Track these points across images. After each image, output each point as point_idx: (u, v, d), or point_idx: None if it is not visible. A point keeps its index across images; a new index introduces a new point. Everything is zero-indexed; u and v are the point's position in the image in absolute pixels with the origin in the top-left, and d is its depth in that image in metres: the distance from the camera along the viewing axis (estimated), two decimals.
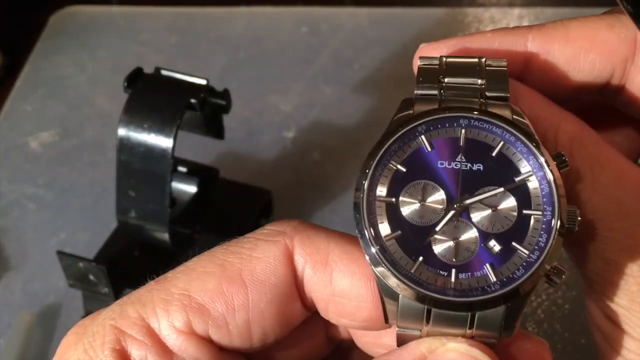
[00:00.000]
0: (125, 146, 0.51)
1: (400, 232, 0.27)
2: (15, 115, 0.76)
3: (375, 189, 0.28)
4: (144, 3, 0.89)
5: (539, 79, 0.32)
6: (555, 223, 0.26)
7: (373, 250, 0.27)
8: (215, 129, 0.58)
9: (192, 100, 0.51)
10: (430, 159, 0.28)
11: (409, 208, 0.28)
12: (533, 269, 0.26)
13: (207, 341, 0.29)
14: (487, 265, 0.26)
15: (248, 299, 0.28)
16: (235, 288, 0.28)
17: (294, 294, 0.29)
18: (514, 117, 0.28)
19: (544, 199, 0.27)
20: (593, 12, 0.88)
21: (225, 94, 0.56)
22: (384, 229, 0.27)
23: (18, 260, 0.63)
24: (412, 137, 0.28)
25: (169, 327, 0.28)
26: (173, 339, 0.28)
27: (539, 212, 0.27)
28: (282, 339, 0.30)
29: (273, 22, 0.85)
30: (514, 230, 0.27)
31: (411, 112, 0.29)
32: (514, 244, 0.27)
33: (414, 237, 0.27)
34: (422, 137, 0.28)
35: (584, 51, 0.32)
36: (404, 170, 0.28)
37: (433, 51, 0.33)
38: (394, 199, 0.28)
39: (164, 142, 0.50)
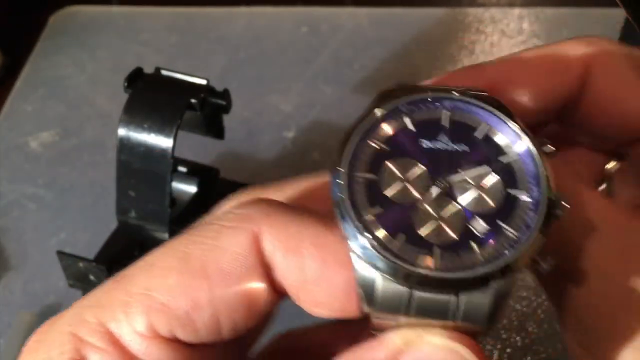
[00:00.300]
0: (125, 146, 0.51)
1: (381, 210, 0.26)
2: (15, 115, 0.76)
3: (356, 167, 0.27)
4: (144, 3, 0.89)
5: (600, 97, 0.31)
6: (543, 203, 0.26)
7: (353, 229, 0.25)
8: (215, 129, 0.58)
9: (192, 100, 0.51)
10: (413, 139, 0.28)
11: (391, 186, 0.27)
12: (521, 248, 0.25)
13: (174, 341, 0.27)
14: (473, 244, 0.25)
15: (214, 293, 0.26)
16: (199, 283, 0.26)
17: (263, 282, 0.27)
18: (497, 103, 0.28)
19: (530, 179, 0.27)
20: (593, 12, 0.88)
21: (225, 94, 0.56)
22: (365, 207, 0.26)
23: (18, 260, 0.63)
24: (395, 116, 0.28)
25: (131, 332, 0.26)
26: (137, 344, 0.26)
27: (525, 192, 0.26)
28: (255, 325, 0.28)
29: (273, 22, 0.85)
30: (500, 209, 0.26)
31: (394, 90, 0.29)
32: (500, 223, 0.26)
33: (396, 215, 0.26)
34: (406, 116, 0.28)
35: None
36: (386, 148, 0.27)
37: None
38: (375, 177, 0.27)
39: (164, 142, 0.50)
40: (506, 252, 0.25)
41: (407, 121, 0.28)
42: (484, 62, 0.33)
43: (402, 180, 0.27)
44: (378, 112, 0.28)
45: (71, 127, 0.74)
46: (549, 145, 0.27)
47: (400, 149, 0.27)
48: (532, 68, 0.31)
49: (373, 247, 0.25)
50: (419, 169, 0.27)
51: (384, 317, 0.25)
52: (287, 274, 0.27)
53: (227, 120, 0.58)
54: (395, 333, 0.25)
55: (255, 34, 0.84)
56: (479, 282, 0.25)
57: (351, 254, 0.25)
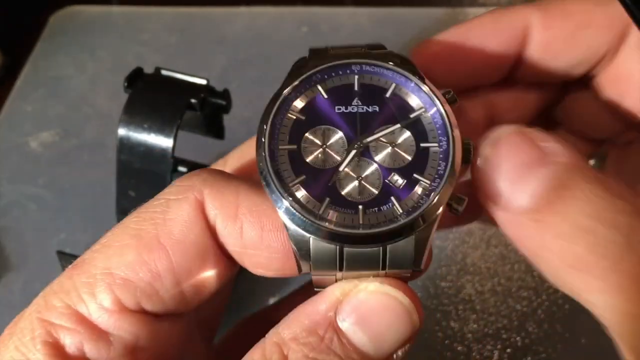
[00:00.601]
0: (125, 146, 0.51)
1: (304, 176, 0.28)
2: (16, 115, 0.76)
3: (277, 138, 0.29)
4: (144, 3, 0.89)
5: (538, 55, 0.33)
6: (452, 151, 0.28)
7: (280, 197, 0.27)
8: (215, 129, 0.58)
9: (192, 100, 0.51)
10: (327, 105, 0.29)
11: (311, 153, 0.29)
12: (436, 196, 0.27)
13: (141, 313, 0.28)
14: (392, 198, 0.28)
15: (171, 261, 0.28)
16: (156, 254, 0.28)
17: (214, 246, 0.29)
18: (401, 59, 0.30)
19: (439, 131, 0.29)
20: None
21: (225, 94, 0.56)
22: (289, 175, 0.28)
23: (18, 260, 0.63)
24: (308, 86, 0.30)
25: (98, 309, 0.28)
26: (105, 320, 0.28)
27: (436, 144, 0.29)
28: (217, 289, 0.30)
29: (273, 22, 0.85)
30: (415, 163, 0.28)
31: (305, 63, 0.30)
32: (415, 175, 0.28)
33: (319, 180, 0.28)
34: (318, 85, 0.30)
35: (583, 26, 0.32)
36: (303, 118, 0.29)
37: (436, 45, 0.35)
38: (295, 146, 0.29)
39: (164, 142, 0.50)
40: (423, 201, 0.27)
41: (320, 89, 0.30)
42: (519, 7, 0.34)
43: (321, 147, 0.29)
44: (294, 82, 0.29)
45: (71, 127, 0.74)
46: (452, 95, 0.29)
47: (317, 117, 0.29)
48: (573, 16, 0.33)
49: (299, 212, 0.27)
50: (336, 134, 0.29)
51: (321, 273, 0.28)
52: (228, 239, 0.29)
53: (227, 120, 0.58)
54: (334, 286, 0.27)
55: (255, 34, 0.83)
56: (402, 233, 0.27)
57: (283, 219, 0.27)
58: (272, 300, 0.59)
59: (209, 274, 0.29)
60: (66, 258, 0.53)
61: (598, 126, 0.36)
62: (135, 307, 0.28)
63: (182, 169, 0.59)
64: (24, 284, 0.61)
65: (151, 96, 0.52)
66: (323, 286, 0.28)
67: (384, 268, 0.27)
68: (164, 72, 0.54)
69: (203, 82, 0.53)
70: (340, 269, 0.27)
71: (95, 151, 0.72)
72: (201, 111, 0.52)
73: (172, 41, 0.83)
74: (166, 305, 0.28)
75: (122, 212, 0.53)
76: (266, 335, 0.28)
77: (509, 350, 0.56)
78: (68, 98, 0.78)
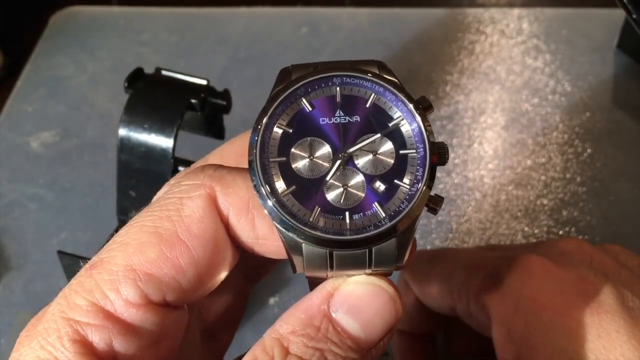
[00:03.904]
0: (125, 146, 0.51)
1: (294, 186, 0.30)
2: (16, 115, 0.76)
3: (267, 150, 0.30)
4: (144, 3, 0.89)
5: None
6: (429, 157, 0.30)
7: (272, 205, 0.29)
8: (215, 129, 0.58)
9: (193, 101, 0.51)
10: (312, 118, 0.31)
11: (299, 164, 0.31)
12: (415, 199, 0.30)
13: (163, 305, 0.30)
14: (376, 203, 0.30)
15: (192, 255, 0.30)
16: (178, 250, 0.29)
17: (227, 238, 0.31)
18: (380, 70, 0.32)
19: (416, 138, 0.31)
20: (593, 12, 0.88)
21: (225, 94, 0.56)
22: (280, 186, 0.30)
23: (19, 260, 0.63)
24: (293, 100, 0.31)
25: (124, 304, 0.29)
26: (132, 314, 0.29)
27: (414, 150, 0.31)
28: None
29: (273, 22, 0.85)
30: (395, 170, 0.31)
31: (290, 78, 0.32)
32: (396, 181, 0.30)
33: (308, 190, 0.30)
34: (303, 99, 0.31)
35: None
36: (290, 130, 0.31)
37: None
38: (284, 158, 0.30)
39: (165, 142, 0.50)
40: (404, 205, 0.30)
41: (306, 103, 0.31)
42: None
43: (309, 158, 0.31)
44: (279, 97, 0.31)
45: (71, 127, 0.75)
46: (427, 101, 0.31)
47: (303, 129, 0.31)
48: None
49: (291, 222, 0.29)
50: (322, 144, 0.31)
51: (314, 273, 0.30)
52: (241, 232, 0.31)
53: (227, 120, 0.58)
54: (325, 283, 0.30)
55: (255, 34, 0.84)
56: (385, 236, 0.29)
57: (277, 227, 0.30)
58: (272, 300, 0.59)
59: (224, 264, 0.31)
60: (67, 258, 0.54)
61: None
62: (159, 300, 0.29)
63: (182, 169, 0.59)
64: (24, 283, 0.62)
65: (151, 96, 0.52)
66: (317, 284, 0.31)
67: (370, 267, 0.30)
68: (164, 73, 0.54)
69: (203, 82, 0.53)
70: (331, 269, 0.30)
71: (95, 151, 0.72)
72: (201, 111, 0.52)
73: (172, 41, 0.83)
74: (188, 297, 0.30)
75: (123, 212, 0.53)
76: (264, 334, 0.29)
77: None
78: (68, 98, 0.78)
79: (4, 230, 0.65)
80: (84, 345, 0.28)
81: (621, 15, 0.75)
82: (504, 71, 0.77)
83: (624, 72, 0.77)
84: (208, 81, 0.53)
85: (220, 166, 0.32)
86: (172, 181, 0.32)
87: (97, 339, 0.28)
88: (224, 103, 0.55)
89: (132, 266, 0.29)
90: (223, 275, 0.32)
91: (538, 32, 0.82)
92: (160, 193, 0.32)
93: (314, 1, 0.89)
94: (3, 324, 0.59)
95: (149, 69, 0.54)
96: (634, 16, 0.56)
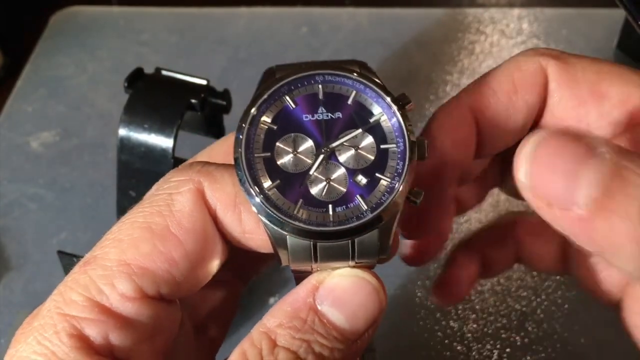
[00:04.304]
0: (125, 146, 0.51)
1: (279, 181, 0.31)
2: (16, 115, 0.76)
3: (252, 147, 0.31)
4: (144, 3, 0.89)
5: (488, 133, 0.35)
6: (408, 151, 0.31)
7: (257, 200, 0.30)
8: (215, 129, 0.58)
9: (193, 101, 0.51)
10: (296, 114, 0.32)
11: (284, 159, 0.31)
12: (395, 192, 0.31)
13: (157, 299, 0.30)
14: (358, 196, 0.31)
15: (184, 248, 0.30)
16: (170, 243, 0.30)
17: (217, 232, 0.32)
18: (361, 69, 0.33)
19: (396, 133, 0.32)
20: (593, 12, 0.88)
21: (225, 94, 0.56)
22: (265, 181, 0.31)
23: (19, 260, 0.63)
24: (277, 97, 0.32)
25: (120, 298, 0.29)
26: (128, 308, 0.29)
27: (394, 145, 0.32)
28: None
29: (273, 22, 0.85)
30: (376, 163, 0.32)
31: (274, 77, 0.33)
32: (377, 174, 0.31)
33: (292, 184, 0.31)
34: (286, 96, 0.32)
35: (513, 94, 0.34)
36: (274, 127, 0.32)
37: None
38: (269, 154, 0.31)
39: (165, 142, 0.50)
40: (385, 198, 0.31)
41: (289, 100, 0.32)
42: (455, 97, 0.36)
43: (293, 153, 0.32)
44: (264, 95, 0.32)
45: (71, 127, 0.75)
46: (406, 97, 0.32)
47: (287, 125, 0.32)
48: (500, 89, 0.35)
49: (276, 215, 0.30)
50: (305, 140, 0.32)
51: (299, 265, 0.31)
52: (230, 226, 0.32)
53: (228, 120, 0.58)
54: (311, 276, 0.31)
55: (255, 34, 0.84)
56: (367, 227, 0.30)
57: (263, 221, 0.30)
58: (272, 300, 0.59)
59: (215, 257, 0.32)
60: (67, 258, 0.54)
61: None
62: (154, 293, 0.30)
63: None
64: (24, 283, 0.62)
65: (151, 96, 0.52)
66: (303, 278, 0.31)
67: (353, 258, 0.31)
68: (164, 73, 0.54)
69: (203, 82, 0.53)
70: (315, 261, 0.31)
71: (95, 151, 0.72)
72: (201, 111, 0.52)
73: (172, 41, 0.83)
74: (181, 289, 0.31)
75: (123, 212, 0.53)
76: (252, 329, 0.30)
77: (508, 349, 0.56)
78: (68, 98, 0.78)
79: (4, 230, 0.65)
80: (81, 339, 0.28)
81: (621, 15, 0.75)
82: None
83: None
84: (208, 81, 0.54)
85: (208, 162, 0.33)
86: (160, 181, 0.33)
87: (94, 333, 0.28)
88: (224, 103, 0.55)
89: (125, 261, 0.29)
90: (214, 268, 0.32)
91: (538, 32, 0.82)
92: (150, 192, 0.33)
93: (314, 1, 0.89)
94: (3, 324, 0.59)
95: (149, 69, 0.54)
96: (634, 16, 0.55)
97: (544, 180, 0.27)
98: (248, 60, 0.80)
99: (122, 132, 0.51)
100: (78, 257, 0.53)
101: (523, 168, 0.27)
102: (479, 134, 0.35)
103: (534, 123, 0.35)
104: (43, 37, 0.85)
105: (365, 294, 0.30)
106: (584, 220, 0.25)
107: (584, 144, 0.26)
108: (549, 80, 0.34)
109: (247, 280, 0.40)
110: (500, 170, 0.42)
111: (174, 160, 0.50)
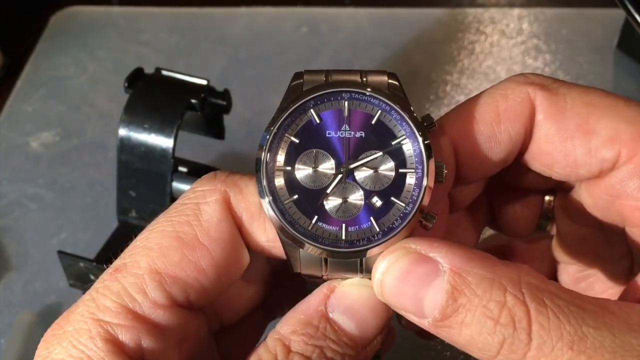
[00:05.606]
0: (125, 146, 0.51)
1: (297, 196, 0.32)
2: (16, 115, 0.76)
3: (274, 159, 0.32)
4: (144, 3, 0.89)
5: (467, 163, 0.35)
6: (426, 179, 0.31)
7: (275, 215, 0.31)
8: (215, 129, 0.58)
9: (193, 101, 0.51)
10: (319, 130, 0.32)
11: (303, 174, 0.32)
12: (409, 218, 0.31)
13: (186, 307, 0.32)
14: (372, 218, 0.31)
15: (212, 257, 0.31)
16: (199, 253, 0.31)
17: (242, 240, 0.33)
18: (390, 81, 0.33)
19: (416, 159, 0.32)
20: (593, 12, 0.88)
21: (225, 94, 0.56)
22: (283, 194, 0.31)
23: (19, 260, 0.63)
24: (302, 112, 0.32)
25: (152, 305, 0.30)
26: (160, 315, 0.30)
27: (412, 170, 0.32)
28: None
29: (273, 22, 0.85)
30: (392, 187, 0.32)
31: (301, 81, 0.33)
32: (392, 198, 0.32)
33: (309, 200, 0.32)
34: (311, 110, 0.32)
35: (496, 124, 0.34)
36: (297, 141, 0.32)
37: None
38: (289, 167, 0.32)
39: (165, 142, 0.50)
40: (397, 223, 0.31)
41: (314, 114, 0.32)
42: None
43: (313, 169, 0.32)
44: (289, 108, 0.32)
45: (71, 127, 0.75)
46: (431, 120, 0.32)
47: (309, 140, 0.32)
48: (484, 119, 0.35)
49: (290, 231, 0.31)
50: (326, 157, 0.32)
51: (310, 274, 0.32)
52: (255, 235, 0.33)
53: (227, 120, 0.58)
54: (322, 286, 0.32)
55: (255, 34, 0.84)
56: (377, 251, 0.31)
57: (278, 233, 0.31)
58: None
59: (240, 265, 0.33)
60: (67, 258, 0.54)
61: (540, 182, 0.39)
62: (183, 301, 0.31)
63: (182, 169, 0.59)
64: (24, 283, 0.62)
65: (151, 96, 0.52)
66: (313, 284, 0.32)
67: (361, 272, 0.32)
68: (164, 73, 0.54)
69: (203, 82, 0.53)
70: (326, 271, 0.32)
71: (95, 151, 0.72)
72: (201, 111, 0.52)
73: (172, 41, 0.83)
74: (209, 296, 0.32)
75: (123, 212, 0.53)
76: (267, 336, 0.31)
77: None
78: (68, 98, 0.78)
79: (4, 230, 0.65)
80: (115, 344, 0.29)
81: (621, 15, 0.75)
82: (504, 71, 0.77)
83: (624, 72, 0.77)
84: (208, 81, 0.53)
85: (232, 172, 0.34)
86: (193, 187, 0.34)
87: (127, 338, 0.29)
88: (224, 103, 0.55)
89: (156, 269, 0.31)
90: (238, 275, 0.33)
91: (538, 32, 0.82)
92: (177, 201, 0.34)
93: (314, 1, 0.89)
94: (3, 324, 0.59)
95: (149, 69, 0.54)
96: (634, 16, 0.55)
97: (396, 300, 0.30)
98: (248, 60, 0.80)
99: (122, 132, 0.51)
100: (80, 258, 0.53)
101: (378, 281, 0.30)
102: (458, 162, 0.35)
103: (520, 152, 0.35)
104: (43, 37, 0.85)
105: (374, 302, 0.31)
106: (433, 327, 0.29)
107: (428, 263, 0.29)
108: (536, 111, 0.33)
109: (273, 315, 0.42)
110: (488, 209, 0.42)
111: (174, 160, 0.50)
